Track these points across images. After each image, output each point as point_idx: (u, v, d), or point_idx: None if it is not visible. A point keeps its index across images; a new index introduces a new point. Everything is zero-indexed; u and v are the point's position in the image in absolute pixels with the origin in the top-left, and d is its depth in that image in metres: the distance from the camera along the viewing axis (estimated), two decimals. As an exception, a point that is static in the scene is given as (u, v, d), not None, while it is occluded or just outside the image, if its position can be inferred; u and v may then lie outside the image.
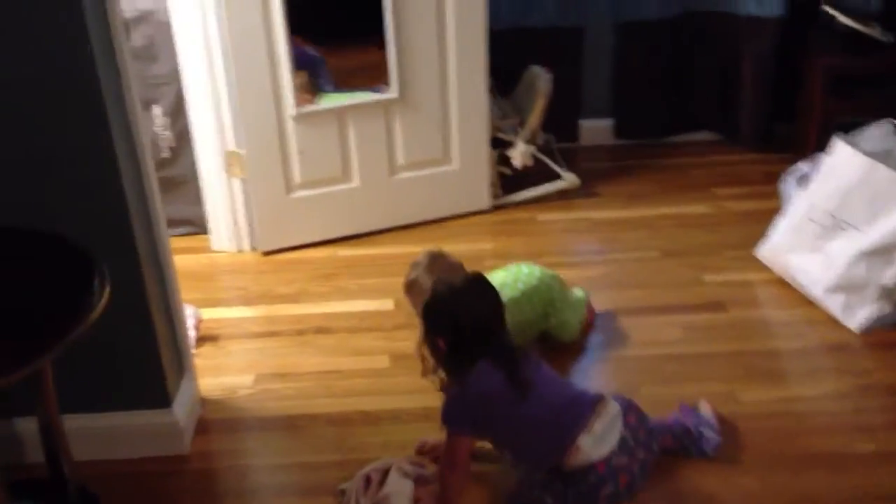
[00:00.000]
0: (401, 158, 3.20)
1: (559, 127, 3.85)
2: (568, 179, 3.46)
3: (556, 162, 3.59)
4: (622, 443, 1.93)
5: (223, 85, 2.93)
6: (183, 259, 3.18)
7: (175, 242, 3.27)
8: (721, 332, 2.60)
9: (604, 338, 2.60)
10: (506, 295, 2.35)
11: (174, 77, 3.01)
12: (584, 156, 3.89)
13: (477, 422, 1.94)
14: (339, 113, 3.07)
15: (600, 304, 2.72)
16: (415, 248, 3.10)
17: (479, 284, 2.03)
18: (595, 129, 3.95)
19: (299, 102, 3.01)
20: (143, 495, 2.12)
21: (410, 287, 2.43)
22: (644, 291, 2.84)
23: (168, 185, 3.22)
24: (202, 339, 2.68)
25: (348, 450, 2.21)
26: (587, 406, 1.93)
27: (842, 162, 2.60)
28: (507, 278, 2.51)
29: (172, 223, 3.31)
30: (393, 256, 3.11)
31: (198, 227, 3.27)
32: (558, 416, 1.92)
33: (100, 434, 2.17)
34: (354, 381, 2.48)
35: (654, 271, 2.96)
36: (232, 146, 3.03)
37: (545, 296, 2.49)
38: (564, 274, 2.84)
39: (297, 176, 3.10)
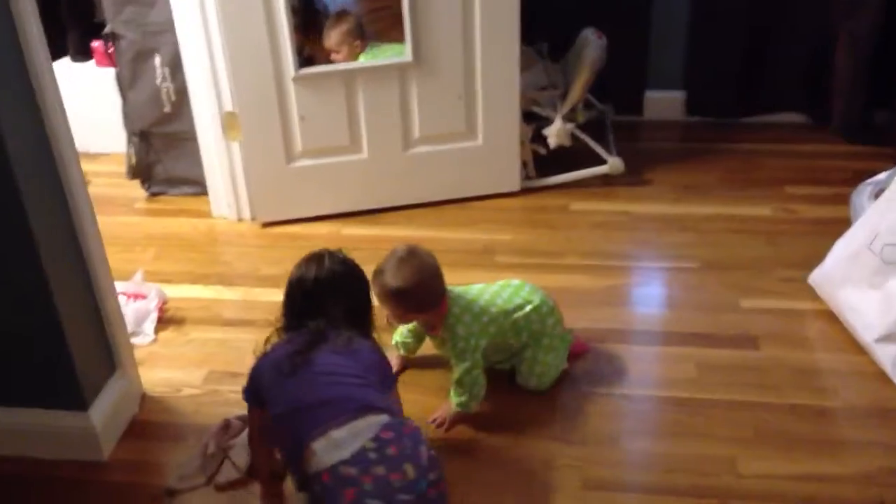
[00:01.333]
0: (417, 130, 2.86)
1: (621, 97, 3.43)
2: (611, 165, 3.03)
3: (606, 139, 3.16)
4: (358, 453, 1.63)
5: (217, 39, 2.65)
6: (178, 222, 3.03)
7: (176, 203, 3.14)
8: (743, 375, 2.17)
9: (598, 366, 2.22)
10: (496, 307, 2.09)
11: (173, 25, 2.75)
12: (647, 132, 3.45)
13: (256, 392, 1.82)
14: (347, 76, 2.74)
15: (611, 321, 2.35)
16: (427, 232, 2.83)
17: (333, 258, 1.90)
18: (663, 103, 3.48)
19: (347, 53, 2.78)
20: (46, 502, 1.95)
21: (374, 280, 2.10)
22: (667, 312, 2.43)
23: (171, 141, 3.03)
24: (166, 322, 2.48)
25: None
26: (341, 411, 1.67)
27: (917, 184, 2.10)
28: (504, 293, 2.15)
29: (177, 182, 3.13)
30: (401, 240, 2.76)
31: (203, 187, 3.05)
32: (309, 410, 1.70)
33: (11, 429, 2.00)
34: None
35: (686, 287, 2.54)
36: (229, 107, 2.76)
37: (535, 327, 2.13)
38: (582, 279, 2.52)
39: (298, 143, 2.81)
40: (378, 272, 2.05)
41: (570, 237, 2.80)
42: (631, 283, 2.56)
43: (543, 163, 3.06)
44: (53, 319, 1.86)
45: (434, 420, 2.07)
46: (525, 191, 3.03)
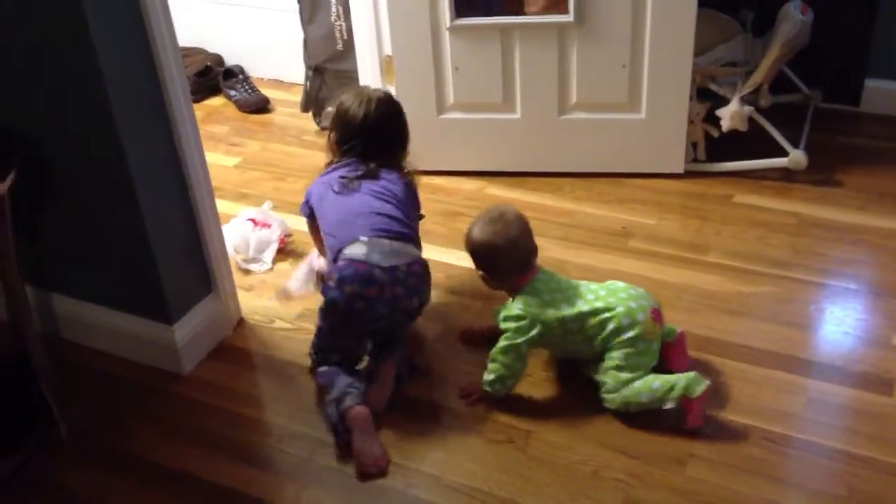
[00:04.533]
0: (574, 95, 2.69)
1: (835, 84, 3.01)
2: (792, 158, 2.67)
3: (799, 128, 2.80)
4: (392, 268, 1.95)
5: (382, -19, 2.63)
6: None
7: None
8: (861, 421, 1.85)
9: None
10: (573, 307, 1.92)
11: (349, -36, 2.77)
12: (858, 127, 3.00)
13: (309, 205, 2.18)
14: (504, 30, 2.62)
15: (728, 332, 2.10)
16: (569, 204, 2.71)
17: (382, 101, 2.16)
18: (886, 95, 3.01)
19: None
20: (115, 398, 2.09)
21: (465, 240, 2.03)
22: (797, 333, 2.12)
23: (340, 78, 3.09)
24: (286, 254, 2.55)
25: (321, 426, 1.95)
26: (390, 228, 2.00)
27: None
28: (595, 292, 1.95)
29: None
30: (541, 208, 2.67)
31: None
32: (359, 216, 2.02)
33: (106, 328, 2.16)
34: (388, 347, 2.19)
35: (832, 308, 2.20)
36: (388, 50, 2.75)
37: (608, 336, 1.90)
38: (716, 280, 2.31)
39: (450, 95, 2.74)
40: (470, 233, 2.01)
41: (720, 232, 2.51)
42: (771, 293, 2.25)
43: (716, 146, 2.76)
44: (141, 233, 1.96)
45: (463, 390, 1.99)
46: (689, 174, 2.75)
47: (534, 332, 1.90)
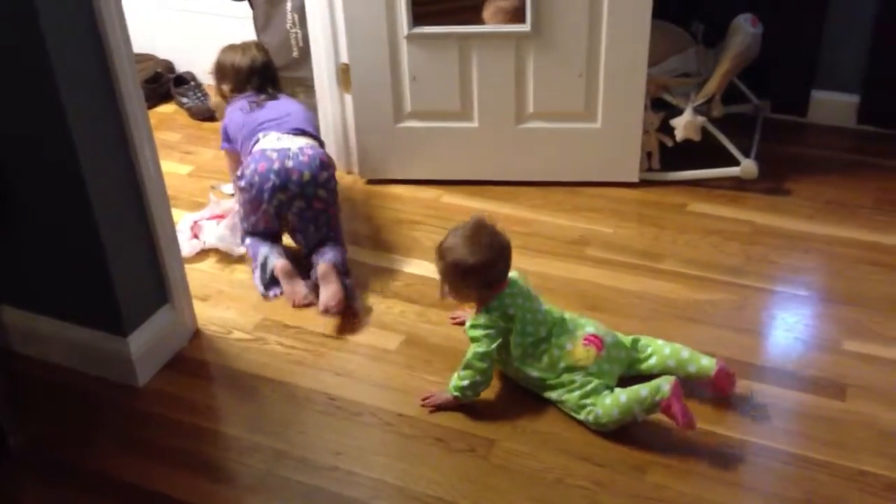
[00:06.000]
0: (531, 105, 2.70)
1: (782, 94, 3.08)
2: (744, 168, 2.72)
3: (749, 137, 2.86)
4: (283, 150, 2.37)
5: (338, -12, 2.62)
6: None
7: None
8: (816, 427, 1.89)
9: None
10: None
11: (304, -29, 2.75)
12: (805, 137, 3.07)
13: (227, 135, 2.60)
14: (462, 40, 2.62)
15: (684, 338, 2.08)
16: (526, 213, 2.72)
17: (257, 44, 2.73)
18: (832, 106, 3.08)
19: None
20: (68, 411, 2.04)
21: (441, 254, 2.00)
22: (749, 339, 2.16)
23: (295, 86, 3.04)
24: (245, 262, 2.52)
25: (280, 437, 1.94)
26: (288, 126, 2.47)
27: None
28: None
29: (297, 128, 3.14)
30: (500, 217, 2.62)
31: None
32: (268, 121, 2.49)
33: (61, 341, 2.11)
34: (347, 357, 2.17)
35: (783, 315, 2.24)
36: (345, 58, 2.73)
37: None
38: (671, 288, 2.35)
39: (408, 104, 2.74)
40: (448, 248, 1.96)
41: (676, 240, 2.55)
42: (726, 300, 2.29)
43: (670, 156, 2.80)
44: (95, 243, 1.92)
45: (425, 398, 1.99)
46: (643, 183, 2.79)
47: (500, 339, 1.92)
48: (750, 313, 2.25)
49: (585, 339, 1.93)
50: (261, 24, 3.00)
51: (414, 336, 2.22)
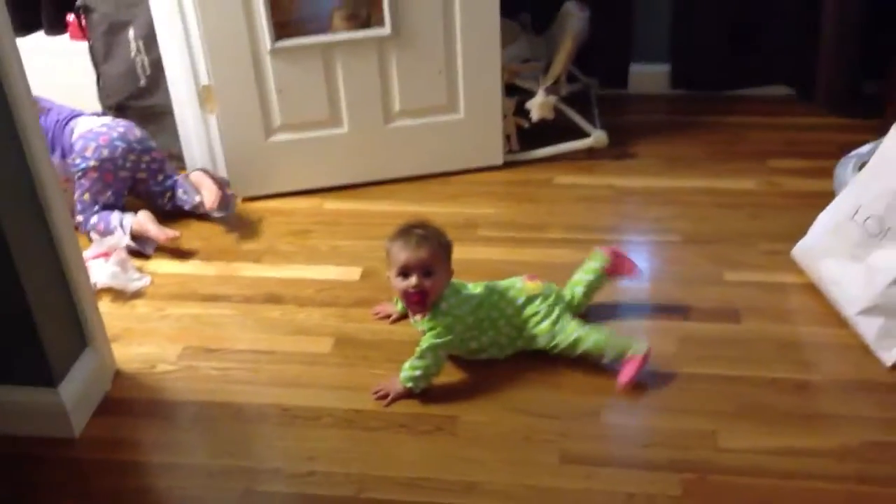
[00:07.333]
0: (397, 104, 2.82)
1: (606, 71, 3.39)
2: (595, 138, 2.99)
3: (591, 112, 3.13)
4: (106, 123, 2.68)
5: (192, 10, 2.60)
6: (156, 199, 2.96)
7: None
8: (724, 349, 2.15)
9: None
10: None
11: (147, -3, 2.70)
12: (633, 106, 3.40)
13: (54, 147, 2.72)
14: (325, 49, 2.69)
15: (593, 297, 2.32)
16: (410, 206, 2.81)
17: None
18: (648, 76, 3.44)
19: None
20: (12, 481, 1.91)
21: (429, 240, 2.05)
22: (649, 286, 2.40)
23: (146, 115, 2.98)
24: (142, 297, 2.45)
25: (246, 455, 1.93)
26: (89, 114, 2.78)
27: (897, 154, 2.07)
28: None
29: (154, 158, 3.06)
30: (382, 214, 2.77)
31: (180, 162, 3.00)
32: (71, 116, 2.73)
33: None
34: (285, 368, 2.18)
35: (668, 261, 2.51)
36: (206, 80, 2.71)
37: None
38: (564, 252, 2.50)
39: (276, 118, 2.77)
40: (421, 237, 2.01)
41: (553, 211, 2.76)
42: (613, 256, 2.53)
43: (527, 136, 3.02)
44: (20, 294, 1.82)
45: (377, 392, 2.06)
46: (508, 164, 2.99)
47: (458, 327, 2.03)
48: (638, 263, 2.49)
49: (527, 277, 2.15)
50: (101, 55, 2.90)
51: (343, 336, 2.26)
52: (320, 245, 2.65)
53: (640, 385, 2.04)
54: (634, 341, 2.05)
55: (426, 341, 2.01)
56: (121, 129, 2.64)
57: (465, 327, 2.05)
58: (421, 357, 2.01)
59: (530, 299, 2.11)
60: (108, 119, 2.70)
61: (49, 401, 1.95)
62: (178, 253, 2.64)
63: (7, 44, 1.71)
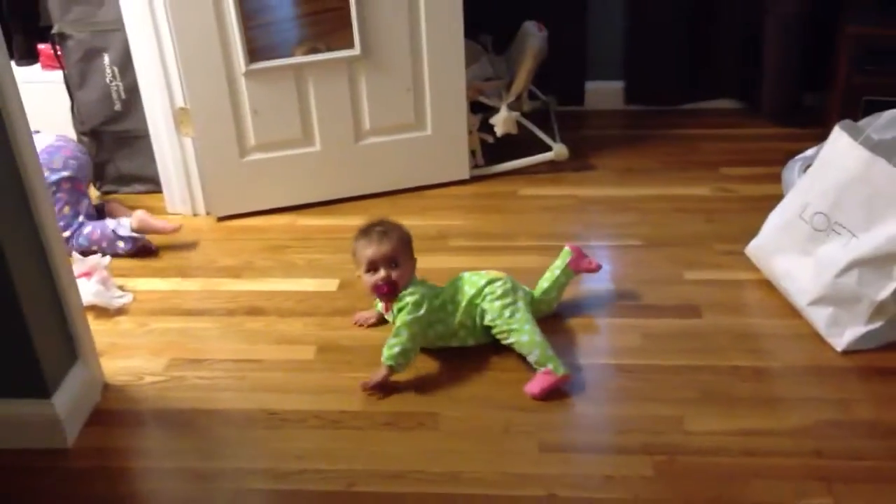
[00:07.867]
0: (367, 122, 2.93)
1: (563, 89, 3.54)
2: (557, 151, 3.14)
3: (551, 128, 3.27)
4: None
5: (167, 35, 2.69)
6: (132, 220, 3.02)
7: (131, 201, 3.16)
8: (687, 341, 2.29)
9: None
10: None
11: (123, 23, 2.78)
12: (589, 121, 3.56)
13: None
14: (297, 70, 2.80)
15: (565, 296, 2.44)
16: (382, 221, 2.88)
17: None
18: (603, 93, 3.60)
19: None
20: (8, 490, 1.96)
21: (388, 235, 2.23)
22: (614, 287, 2.53)
23: (122, 139, 3.06)
24: (125, 314, 2.51)
25: (237, 457, 2.01)
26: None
27: (839, 153, 2.23)
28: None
29: (129, 180, 3.16)
30: (356, 229, 2.82)
31: (157, 185, 3.07)
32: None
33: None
34: (270, 375, 2.26)
35: (630, 263, 2.65)
36: (181, 102, 2.80)
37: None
38: (533, 259, 2.61)
39: (251, 138, 2.86)
40: (390, 228, 2.22)
41: (520, 220, 2.89)
42: (579, 261, 2.66)
43: (492, 151, 3.16)
44: (15, 308, 1.89)
45: (364, 385, 2.16)
46: (475, 178, 3.12)
47: (426, 305, 2.17)
48: (605, 267, 2.62)
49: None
50: (76, 83, 2.97)
51: (326, 343, 2.35)
52: (297, 259, 2.74)
53: (609, 377, 2.17)
54: (561, 364, 2.14)
55: (399, 319, 2.14)
56: (76, 143, 2.79)
57: (432, 309, 2.19)
58: (396, 335, 2.13)
59: (492, 281, 2.25)
60: (52, 136, 2.75)
61: (43, 412, 2.01)
62: (157, 271, 2.71)
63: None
